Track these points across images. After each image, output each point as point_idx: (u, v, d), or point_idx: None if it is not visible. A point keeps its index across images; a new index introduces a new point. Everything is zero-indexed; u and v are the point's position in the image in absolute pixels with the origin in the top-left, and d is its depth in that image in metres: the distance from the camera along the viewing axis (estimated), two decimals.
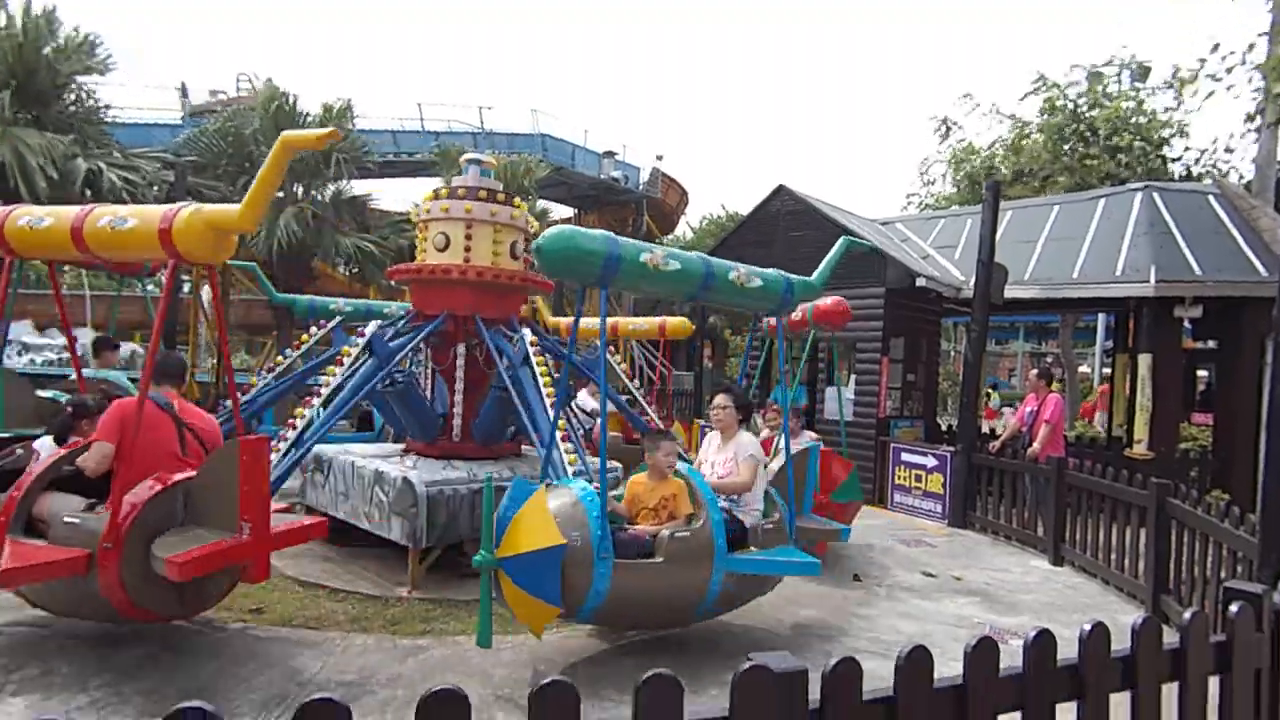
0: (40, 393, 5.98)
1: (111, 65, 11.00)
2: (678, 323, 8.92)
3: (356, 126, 15.23)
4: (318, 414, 5.21)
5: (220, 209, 3.19)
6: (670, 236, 27.39)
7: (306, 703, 1.04)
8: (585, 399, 8.18)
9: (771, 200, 9.86)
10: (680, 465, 3.91)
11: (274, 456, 4.82)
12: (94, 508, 3.22)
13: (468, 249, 5.37)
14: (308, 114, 13.65)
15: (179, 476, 3.28)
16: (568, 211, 24.78)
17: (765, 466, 4.26)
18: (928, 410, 9.82)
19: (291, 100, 13.33)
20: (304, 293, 14.67)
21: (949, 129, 17.36)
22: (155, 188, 10.84)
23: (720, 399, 4.21)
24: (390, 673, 3.37)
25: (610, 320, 8.95)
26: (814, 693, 1.34)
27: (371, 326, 5.86)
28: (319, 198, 13.73)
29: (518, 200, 5.84)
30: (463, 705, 1.10)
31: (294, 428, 5.14)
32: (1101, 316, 17.60)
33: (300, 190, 13.66)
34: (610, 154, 22.51)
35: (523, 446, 5.88)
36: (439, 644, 3.75)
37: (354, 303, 8.40)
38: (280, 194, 13.47)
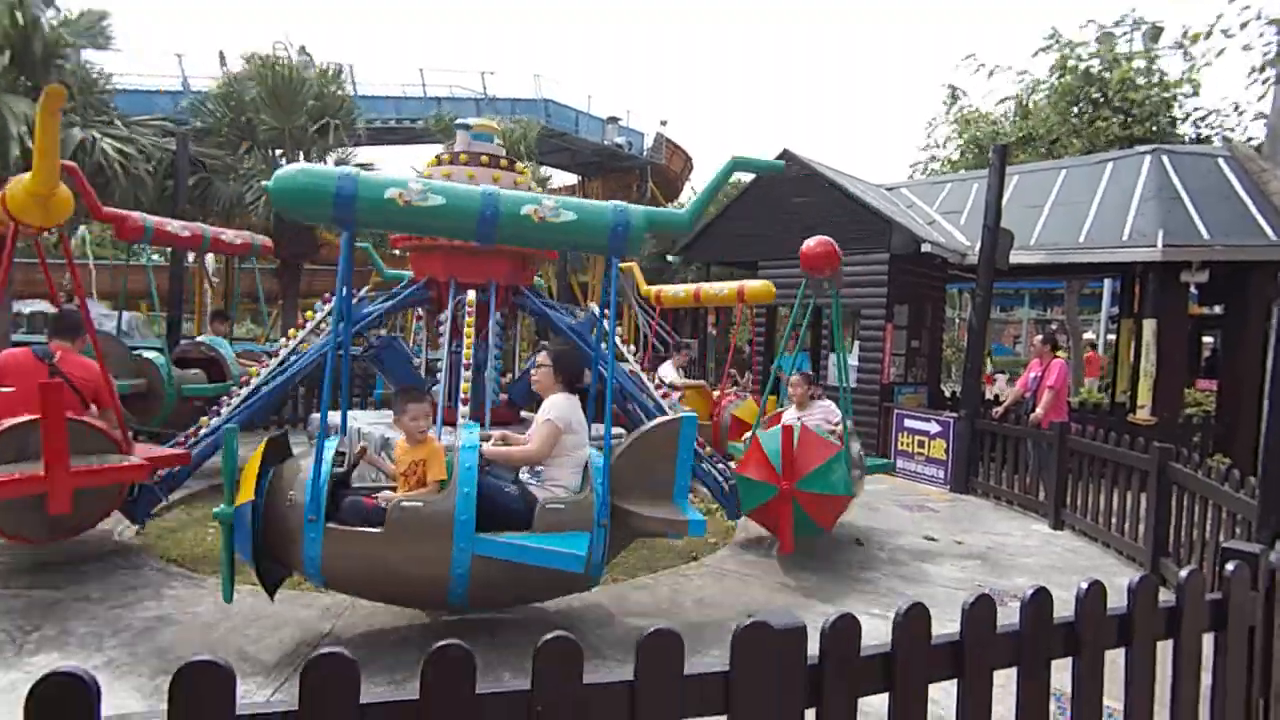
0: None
1: (113, 39, 10.84)
2: (759, 286, 7.79)
3: (358, 92, 14.98)
4: (272, 375, 5.24)
5: (23, 178, 3.65)
6: (675, 203, 27.11)
7: (316, 656, 1.07)
8: (668, 370, 8.04)
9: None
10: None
11: (224, 412, 5.02)
12: None
13: None
14: (306, 80, 13.43)
15: (27, 417, 3.73)
16: (571, 178, 24.53)
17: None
18: (932, 376, 9.82)
19: (289, 65, 13.10)
20: (307, 262, 14.65)
21: (955, 96, 17.02)
22: (151, 161, 10.72)
23: (540, 357, 3.76)
24: (399, 635, 3.45)
25: (692, 287, 8.57)
26: (813, 650, 1.37)
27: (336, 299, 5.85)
28: (324, 160, 13.57)
29: (521, 166, 5.78)
30: (470, 661, 1.12)
31: (247, 383, 5.19)
32: (1108, 282, 17.45)
33: (301, 158, 13.51)
34: (614, 120, 22.16)
35: (522, 412, 5.93)
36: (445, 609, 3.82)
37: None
38: (281, 159, 13.35)
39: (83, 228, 11.83)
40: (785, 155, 9.66)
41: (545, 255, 6.16)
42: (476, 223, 3.10)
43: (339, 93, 13.72)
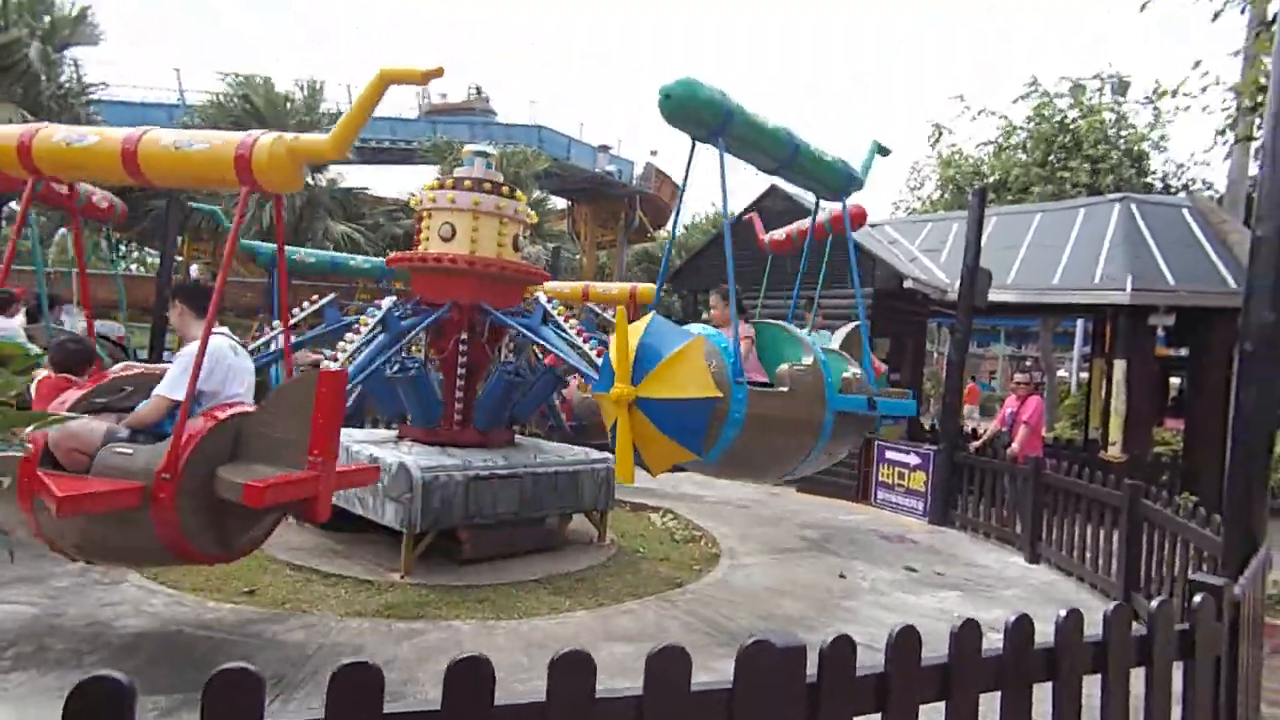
0: None
1: (101, 36, 10.85)
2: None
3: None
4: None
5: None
6: (663, 231, 27.49)
7: (344, 665, 1.12)
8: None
9: (764, 199, 9.98)
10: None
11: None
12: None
13: (474, 240, 5.45)
14: (290, 97, 13.56)
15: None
16: (562, 203, 24.79)
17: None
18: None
19: (268, 84, 13.25)
20: (294, 277, 14.60)
21: (940, 134, 17.62)
22: None
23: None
24: (386, 655, 3.43)
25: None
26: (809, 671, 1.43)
27: (387, 302, 5.92)
28: (315, 184, 13.64)
29: (519, 193, 5.90)
30: (489, 673, 1.18)
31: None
32: (1080, 322, 17.97)
33: None
34: (605, 148, 22.57)
35: (516, 436, 5.96)
36: (434, 628, 3.82)
37: (315, 253, 8.95)
38: None
39: (62, 230, 11.69)
40: (774, 191, 9.93)
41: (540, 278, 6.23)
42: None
43: (326, 110, 13.86)
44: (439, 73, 3.01)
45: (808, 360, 3.96)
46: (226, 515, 3.07)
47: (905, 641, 1.57)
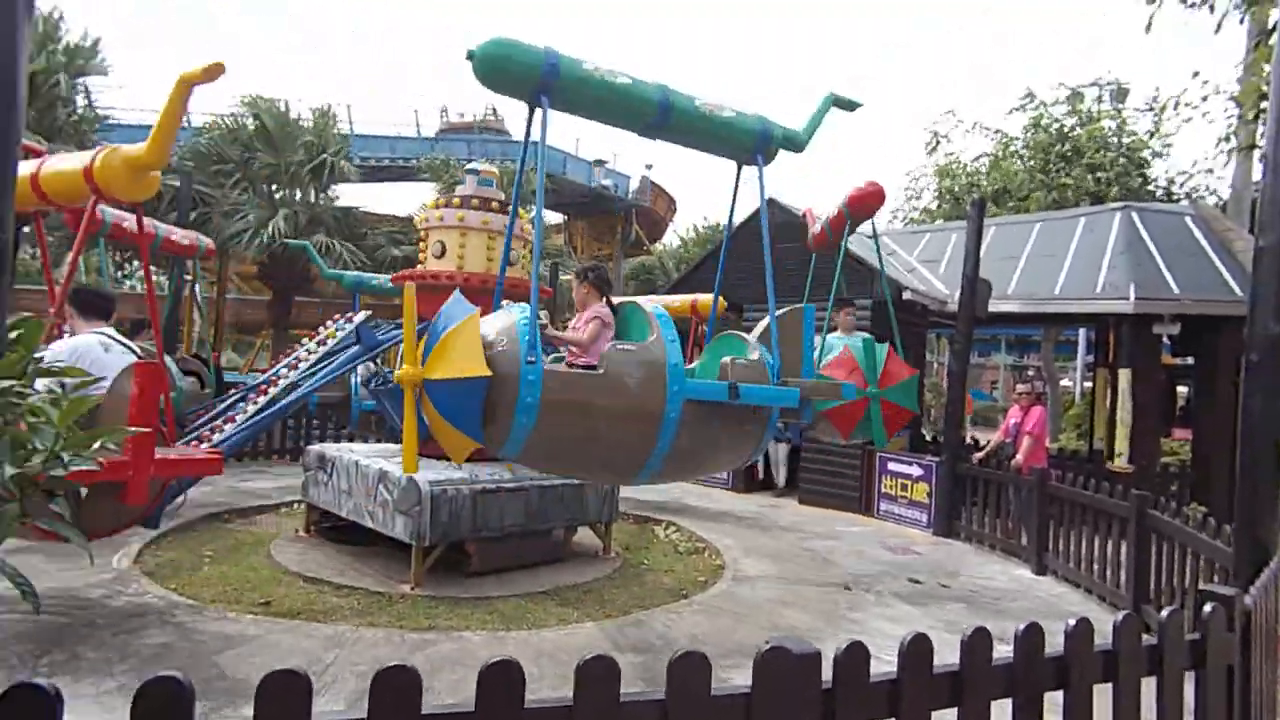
0: None
1: (109, 67, 11.11)
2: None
3: (354, 131, 15.31)
4: (290, 386, 5.42)
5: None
6: (659, 245, 27.62)
7: (386, 668, 1.14)
8: None
9: (760, 213, 10.04)
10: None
11: (240, 418, 5.24)
12: None
13: (460, 255, 5.54)
14: (300, 117, 13.71)
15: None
16: (557, 218, 24.96)
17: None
18: (913, 420, 10.00)
19: (281, 106, 13.40)
20: (298, 294, 14.69)
21: (938, 142, 17.74)
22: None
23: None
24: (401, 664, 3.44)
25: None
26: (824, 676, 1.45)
27: (360, 316, 6.09)
28: (316, 202, 13.75)
29: (521, 211, 5.97)
30: (519, 675, 1.20)
31: (265, 393, 5.35)
32: (1082, 331, 18.00)
33: (297, 194, 13.69)
34: (600, 162, 22.73)
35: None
36: (445, 638, 3.83)
37: (346, 274, 9.05)
38: (277, 197, 13.50)
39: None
40: (771, 204, 9.96)
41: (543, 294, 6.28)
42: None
43: (335, 131, 14.01)
44: (219, 67, 3.49)
45: (651, 338, 3.17)
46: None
47: (917, 648, 1.58)
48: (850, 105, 4.06)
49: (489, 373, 2.79)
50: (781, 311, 3.62)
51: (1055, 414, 16.08)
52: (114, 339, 3.63)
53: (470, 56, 2.89)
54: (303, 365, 5.70)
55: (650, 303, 8.58)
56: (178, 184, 10.17)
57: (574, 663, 1.24)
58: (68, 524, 1.31)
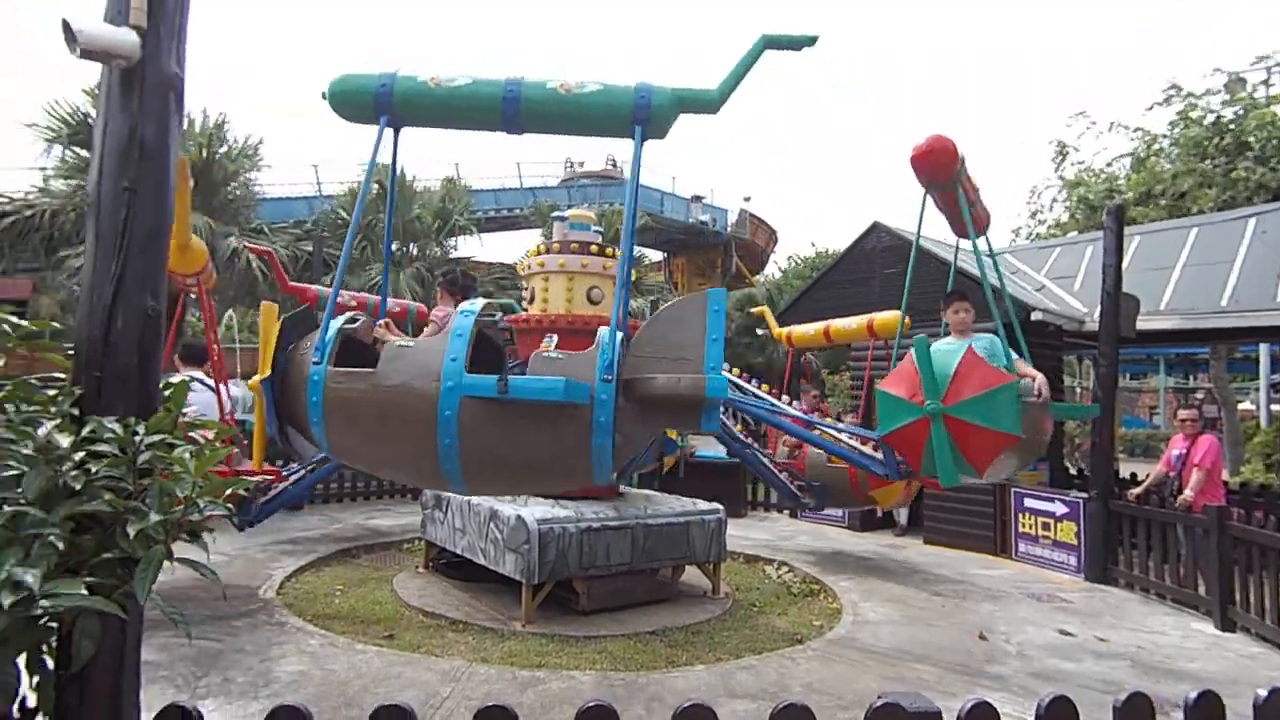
0: None
1: (266, 165, 12.90)
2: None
3: (468, 188, 16.56)
4: None
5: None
6: (760, 276, 27.32)
7: (487, 706, 1.16)
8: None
9: (866, 237, 9.67)
10: None
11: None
12: None
13: (545, 299, 5.80)
14: (416, 179, 14.98)
15: None
16: (657, 255, 25.38)
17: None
18: (1053, 452, 9.07)
19: (400, 171, 14.76)
20: None
21: (1065, 154, 16.43)
22: (288, 261, 12.40)
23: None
24: (513, 701, 3.48)
25: (821, 325, 7.97)
26: None
27: None
28: (431, 254, 14.89)
29: (609, 249, 6.13)
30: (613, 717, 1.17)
31: None
32: (1264, 347, 15.68)
33: (415, 250, 14.89)
34: (698, 198, 22.97)
35: (621, 487, 6.01)
36: (554, 677, 3.84)
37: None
38: (399, 253, 14.74)
39: (230, 311, 13.53)
40: (875, 227, 9.61)
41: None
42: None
43: (461, 188, 15.22)
44: (183, 162, 3.67)
45: (436, 337, 3.04)
46: None
47: (1060, 713, 1.39)
48: (794, 43, 3.14)
49: (269, 372, 3.11)
50: (681, 299, 3.10)
51: (1233, 441, 14.00)
52: (201, 381, 5.22)
53: (324, 96, 3.08)
54: None
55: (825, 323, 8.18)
56: (310, 249, 11.38)
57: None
58: (207, 566, 1.43)
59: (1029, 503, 7.38)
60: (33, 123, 11.35)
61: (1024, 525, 7.39)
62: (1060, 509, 7.01)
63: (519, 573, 4.78)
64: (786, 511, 10.16)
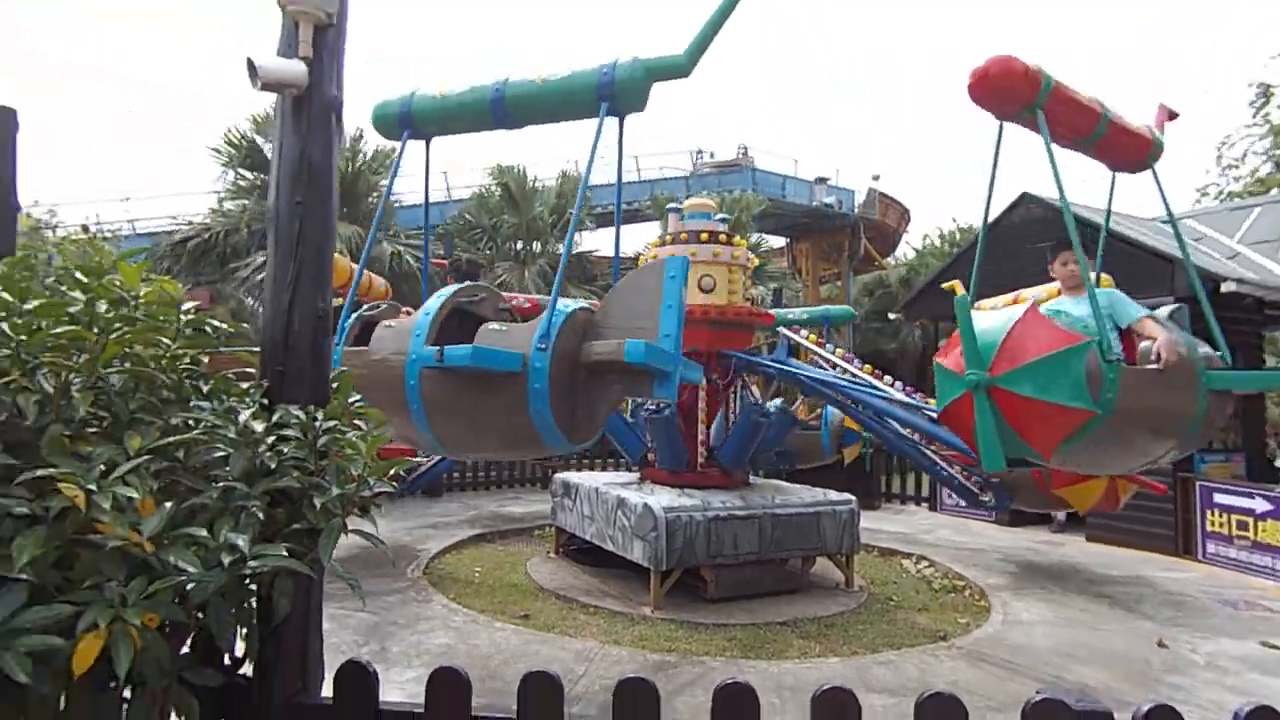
0: None
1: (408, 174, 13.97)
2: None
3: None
4: None
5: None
6: (891, 259, 25.82)
7: (625, 680, 1.22)
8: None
9: (1014, 209, 8.86)
10: None
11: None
12: None
13: (701, 289, 5.75)
14: (536, 179, 15.58)
15: None
16: (780, 241, 24.69)
17: None
18: (1251, 441, 7.87)
19: (521, 170, 15.35)
20: None
21: (1269, 96, 14.10)
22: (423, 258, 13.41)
23: None
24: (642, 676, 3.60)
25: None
26: None
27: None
28: (553, 251, 15.49)
29: (738, 239, 6.04)
30: (751, 698, 1.17)
31: None
32: None
33: (538, 247, 15.54)
34: (822, 180, 22.07)
35: (750, 476, 5.95)
36: (685, 662, 3.90)
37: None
38: (522, 251, 15.46)
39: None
40: (1024, 197, 8.78)
41: (762, 320, 6.23)
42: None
43: (576, 184, 15.67)
44: None
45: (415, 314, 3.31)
46: None
47: None
48: None
49: None
50: (642, 268, 3.15)
51: None
52: None
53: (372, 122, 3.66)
54: None
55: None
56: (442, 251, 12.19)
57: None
58: (376, 536, 1.60)
59: (1220, 498, 6.47)
60: (215, 148, 13.11)
61: (1214, 523, 6.49)
62: (1262, 506, 6.08)
63: (647, 559, 4.88)
64: (924, 504, 9.61)
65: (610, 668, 3.78)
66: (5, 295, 1.42)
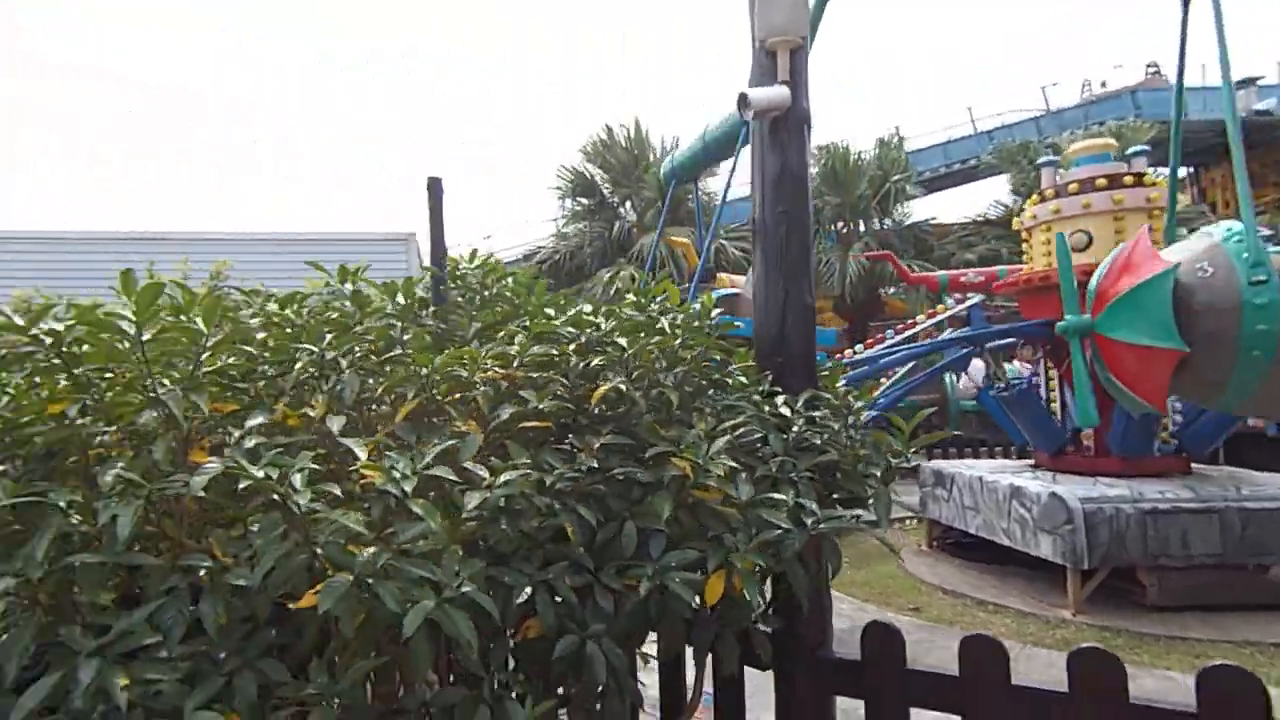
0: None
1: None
2: None
3: (904, 149, 15.80)
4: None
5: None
6: None
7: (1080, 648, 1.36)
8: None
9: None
10: None
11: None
12: None
13: (1029, 257, 5.12)
14: (860, 154, 14.90)
15: None
16: (1180, 172, 19.28)
17: None
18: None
19: (845, 147, 14.82)
20: (872, 320, 15.85)
21: None
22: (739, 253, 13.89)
23: None
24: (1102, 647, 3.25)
25: None
26: None
27: (976, 297, 6.55)
28: (882, 228, 14.75)
29: (1129, 177, 5.03)
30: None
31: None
32: None
33: (861, 226, 14.94)
34: (1250, 81, 16.70)
35: (1192, 464, 4.88)
36: (1141, 673, 3.39)
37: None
38: (844, 230, 15.03)
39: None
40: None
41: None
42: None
43: (896, 156, 14.70)
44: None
45: None
46: None
47: None
48: None
49: None
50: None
51: None
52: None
53: (661, 179, 5.32)
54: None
55: None
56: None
57: None
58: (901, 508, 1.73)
59: None
60: (555, 186, 15.61)
61: None
62: None
63: (1060, 556, 4.35)
64: None
65: (1040, 670, 3.46)
66: (620, 341, 1.73)
